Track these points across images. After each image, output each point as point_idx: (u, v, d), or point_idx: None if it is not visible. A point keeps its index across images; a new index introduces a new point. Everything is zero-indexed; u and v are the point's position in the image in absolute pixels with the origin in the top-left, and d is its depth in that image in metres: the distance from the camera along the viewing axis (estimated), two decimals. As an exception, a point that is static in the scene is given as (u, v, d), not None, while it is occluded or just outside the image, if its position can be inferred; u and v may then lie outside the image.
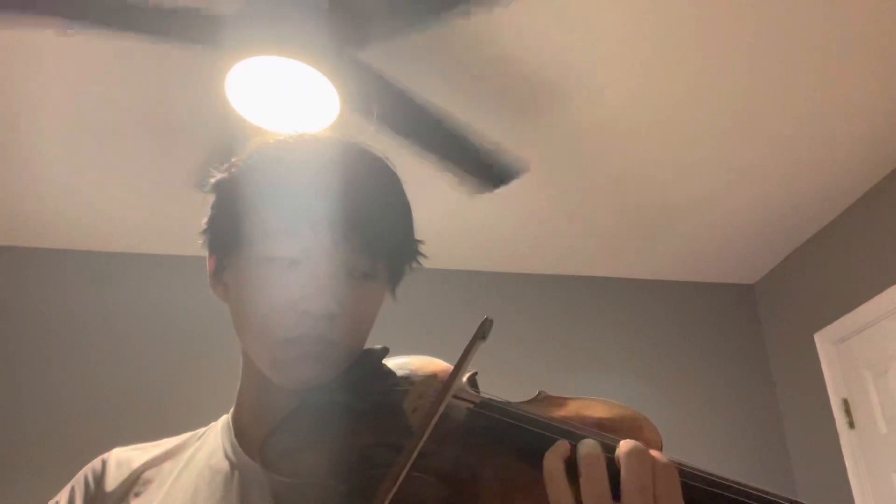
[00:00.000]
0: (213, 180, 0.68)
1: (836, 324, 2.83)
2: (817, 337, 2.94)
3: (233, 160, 0.68)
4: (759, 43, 2.01)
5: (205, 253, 0.70)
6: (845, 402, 2.79)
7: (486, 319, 0.54)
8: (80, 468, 0.71)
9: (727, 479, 0.48)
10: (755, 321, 3.41)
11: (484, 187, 2.22)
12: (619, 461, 0.46)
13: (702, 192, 2.71)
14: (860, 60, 2.07)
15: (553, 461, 0.47)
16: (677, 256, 3.22)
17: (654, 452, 0.47)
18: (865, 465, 2.68)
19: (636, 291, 3.37)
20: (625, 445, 0.46)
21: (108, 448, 0.72)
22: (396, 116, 1.91)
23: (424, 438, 0.49)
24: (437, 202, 2.70)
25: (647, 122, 2.32)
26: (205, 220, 0.69)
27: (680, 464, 0.48)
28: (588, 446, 0.47)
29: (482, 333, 0.53)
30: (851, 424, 2.76)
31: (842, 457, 2.75)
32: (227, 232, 0.66)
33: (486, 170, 2.14)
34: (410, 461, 0.48)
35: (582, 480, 0.45)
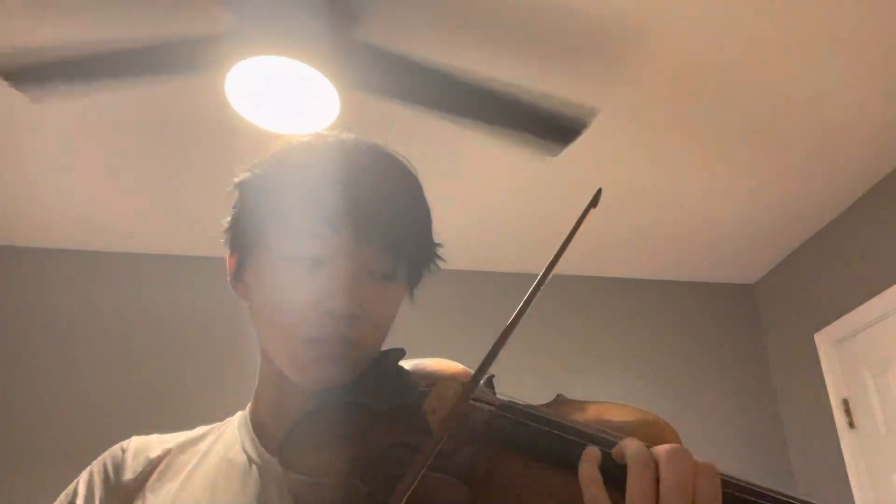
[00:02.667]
0: (236, 180, 0.69)
1: (836, 324, 2.83)
2: (817, 337, 2.95)
3: (256, 160, 0.68)
4: (758, 45, 2.01)
5: (225, 252, 0.70)
6: (845, 402, 2.80)
7: (599, 190, 0.60)
8: (79, 468, 0.71)
9: (760, 486, 0.48)
10: (755, 321, 3.41)
11: (551, 146, 1.93)
12: (657, 461, 0.46)
13: (701, 192, 2.71)
14: (861, 60, 2.07)
15: (589, 468, 0.48)
16: (677, 256, 3.22)
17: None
18: (865, 465, 2.68)
19: (636, 291, 3.37)
20: (663, 447, 0.47)
21: (108, 447, 0.72)
22: (424, 91, 1.78)
23: (445, 437, 0.49)
24: (436, 203, 2.70)
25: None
26: (226, 218, 0.69)
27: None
28: (638, 446, 0.47)
29: (594, 202, 0.59)
30: (851, 424, 2.76)
31: (842, 457, 2.75)
32: (249, 231, 0.67)
33: (545, 126, 1.86)
34: (428, 461, 0.47)
35: (631, 478, 0.46)
